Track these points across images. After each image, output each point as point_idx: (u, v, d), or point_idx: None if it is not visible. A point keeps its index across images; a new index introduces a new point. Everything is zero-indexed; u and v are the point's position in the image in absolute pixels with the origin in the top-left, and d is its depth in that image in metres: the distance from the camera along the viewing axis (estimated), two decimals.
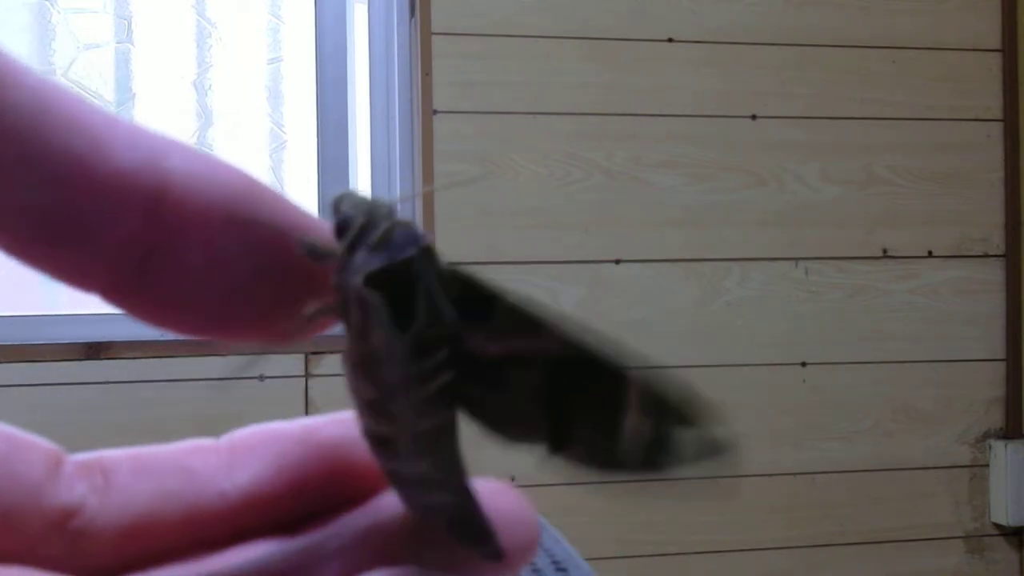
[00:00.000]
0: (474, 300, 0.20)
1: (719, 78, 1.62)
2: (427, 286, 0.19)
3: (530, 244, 1.56)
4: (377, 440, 0.19)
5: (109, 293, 0.18)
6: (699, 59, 1.61)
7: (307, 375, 1.51)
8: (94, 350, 1.47)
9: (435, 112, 1.54)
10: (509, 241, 1.55)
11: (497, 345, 0.20)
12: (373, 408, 0.19)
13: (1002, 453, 1.66)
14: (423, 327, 0.19)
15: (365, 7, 1.61)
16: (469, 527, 0.20)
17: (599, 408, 0.20)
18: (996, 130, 1.69)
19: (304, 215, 0.19)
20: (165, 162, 0.17)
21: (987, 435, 1.69)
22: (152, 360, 1.48)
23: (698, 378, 1.38)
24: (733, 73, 1.62)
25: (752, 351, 1.62)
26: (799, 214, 1.64)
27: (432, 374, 0.19)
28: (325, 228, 0.19)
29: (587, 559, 0.45)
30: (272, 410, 1.53)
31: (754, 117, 1.63)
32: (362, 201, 0.19)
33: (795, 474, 1.63)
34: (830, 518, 1.64)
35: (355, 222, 0.19)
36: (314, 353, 1.52)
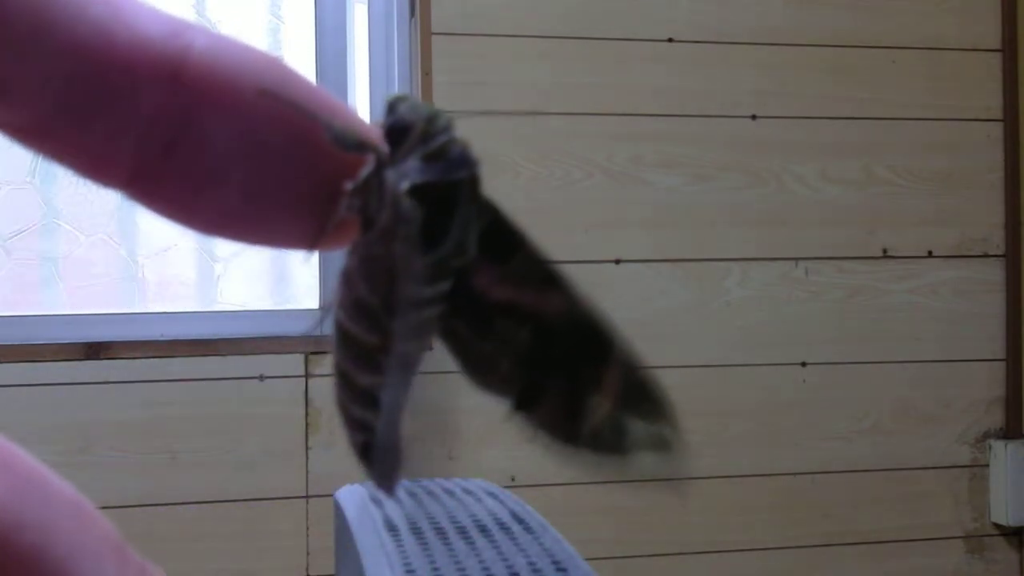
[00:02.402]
0: (497, 238, 0.19)
1: (719, 78, 1.62)
2: (466, 214, 0.18)
3: None
4: (347, 339, 0.18)
5: (133, 183, 0.17)
6: (699, 59, 1.61)
7: (307, 375, 1.51)
8: (94, 350, 1.47)
9: None
10: None
11: (502, 291, 0.20)
12: (360, 309, 0.18)
13: (1002, 453, 1.66)
14: (445, 255, 0.18)
15: (365, 7, 1.61)
16: (377, 455, 0.19)
17: (573, 380, 0.20)
18: (996, 130, 1.69)
19: (337, 103, 0.18)
20: (188, 35, 0.16)
21: (987, 435, 1.69)
22: (152, 360, 1.48)
23: (698, 378, 1.38)
24: (733, 73, 1.62)
25: (752, 351, 1.62)
26: (799, 214, 1.64)
27: (430, 301, 0.18)
28: (356, 121, 0.18)
29: (587, 559, 0.45)
30: (272, 410, 1.54)
31: (754, 117, 1.63)
32: (422, 107, 0.18)
33: (795, 474, 1.63)
34: (830, 518, 1.64)
35: (414, 126, 0.18)
36: (314, 353, 1.52)
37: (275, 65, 0.17)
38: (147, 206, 0.17)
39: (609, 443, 0.20)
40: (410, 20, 1.59)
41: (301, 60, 1.63)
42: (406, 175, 0.17)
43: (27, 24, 0.15)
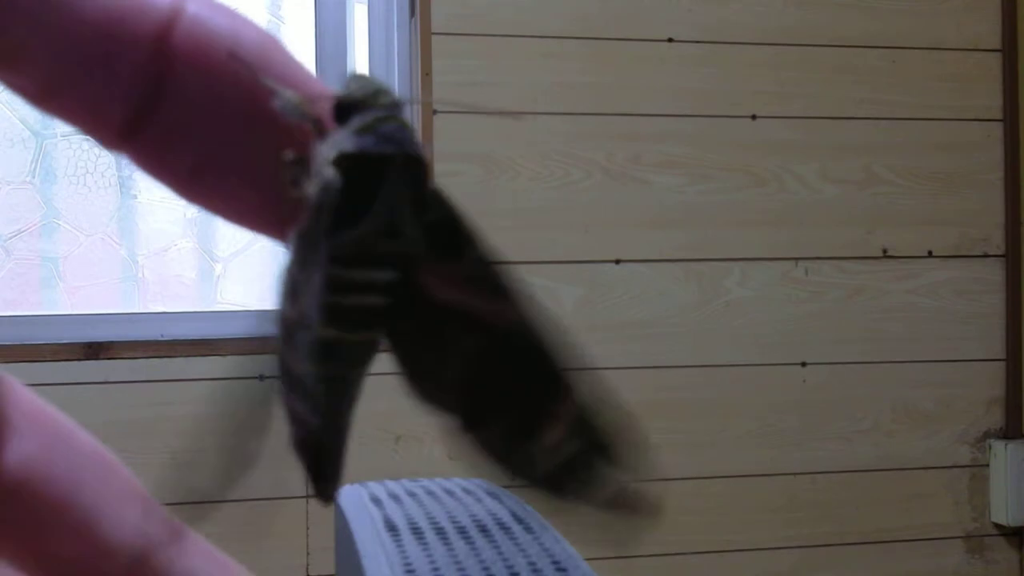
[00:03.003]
0: (448, 234, 0.18)
1: (719, 78, 1.62)
2: (396, 194, 0.17)
3: (530, 244, 1.56)
4: (282, 321, 0.18)
5: (122, 140, 0.17)
6: (699, 59, 1.61)
7: None
8: (94, 350, 1.47)
9: (435, 112, 1.54)
10: (509, 241, 1.54)
11: (450, 291, 0.18)
12: (292, 288, 0.18)
13: (1002, 453, 1.66)
14: (370, 233, 0.17)
15: (365, 7, 1.61)
16: (315, 456, 0.18)
17: (527, 404, 0.19)
18: (996, 130, 1.69)
19: (310, 77, 0.18)
20: (181, 1, 0.17)
21: (987, 435, 1.69)
22: (152, 360, 1.48)
23: (698, 378, 1.38)
24: (733, 73, 1.62)
25: (752, 351, 1.62)
26: (799, 214, 1.64)
27: (363, 288, 0.18)
28: (318, 94, 0.18)
29: (587, 559, 0.45)
30: (272, 410, 1.53)
31: (754, 117, 1.63)
32: (371, 84, 0.18)
33: (795, 474, 1.63)
34: (830, 518, 1.64)
35: (358, 101, 0.18)
36: None
37: (260, 36, 0.17)
38: (136, 164, 0.18)
39: (562, 480, 0.19)
40: (410, 20, 1.59)
41: (301, 60, 1.63)
42: (335, 145, 0.17)
43: None
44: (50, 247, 1.57)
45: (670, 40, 1.61)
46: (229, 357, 1.50)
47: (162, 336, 1.50)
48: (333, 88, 0.18)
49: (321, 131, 0.18)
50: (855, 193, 1.65)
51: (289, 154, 0.18)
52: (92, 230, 1.57)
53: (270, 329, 0.18)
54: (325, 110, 0.18)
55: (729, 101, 1.62)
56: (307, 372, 0.18)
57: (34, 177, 1.55)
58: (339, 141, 0.17)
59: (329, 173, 0.17)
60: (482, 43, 1.56)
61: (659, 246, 1.60)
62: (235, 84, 0.17)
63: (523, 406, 0.19)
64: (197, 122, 0.17)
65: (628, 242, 1.59)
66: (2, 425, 0.15)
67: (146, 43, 0.16)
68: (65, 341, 1.47)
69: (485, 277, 0.19)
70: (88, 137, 0.17)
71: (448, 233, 0.18)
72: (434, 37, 1.54)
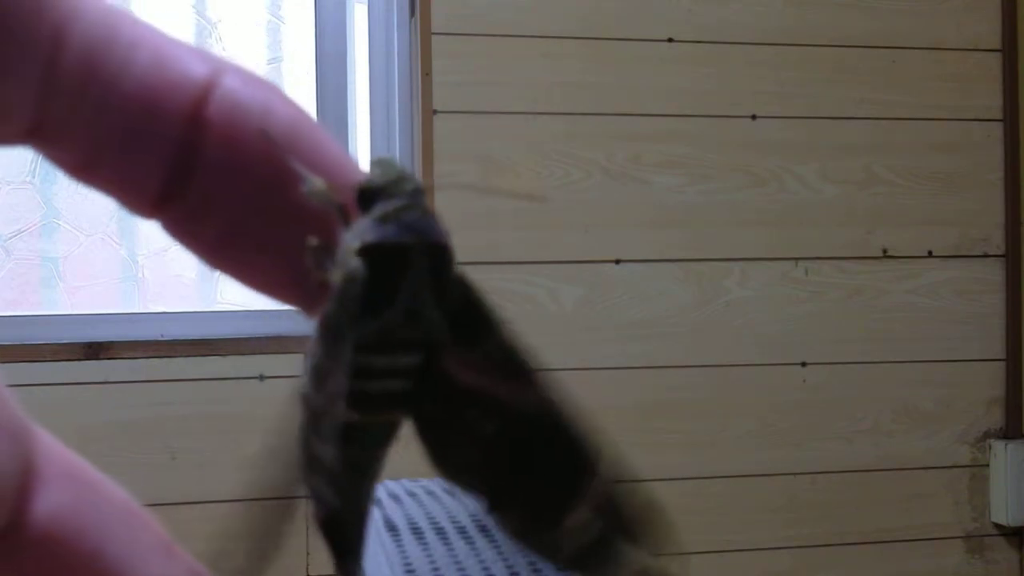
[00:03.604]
0: (469, 320, 0.19)
1: (719, 78, 1.62)
2: (418, 282, 0.18)
3: (530, 244, 1.56)
4: (306, 404, 0.18)
5: (155, 207, 0.18)
6: (699, 59, 1.61)
7: None
8: (94, 350, 1.47)
9: (435, 112, 1.54)
10: (509, 241, 1.55)
11: (472, 376, 0.19)
12: (316, 373, 0.18)
13: (1002, 453, 1.66)
14: (393, 322, 0.18)
15: (365, 7, 1.61)
16: (338, 536, 0.19)
17: (551, 486, 0.19)
18: (996, 130, 1.69)
19: (343, 159, 0.18)
20: (218, 75, 0.17)
21: (987, 435, 1.69)
22: (152, 360, 1.48)
23: (698, 378, 1.38)
24: (733, 73, 1.62)
25: (752, 351, 1.62)
26: (799, 214, 1.64)
27: (386, 373, 0.18)
28: (345, 176, 0.18)
29: None
30: (272, 410, 1.53)
31: (754, 117, 1.63)
32: (393, 169, 0.18)
33: (795, 474, 1.63)
34: (830, 518, 1.64)
35: (376, 184, 0.18)
36: None
37: (294, 113, 0.18)
38: (167, 232, 0.18)
39: (590, 561, 0.19)
40: (410, 20, 1.59)
41: (301, 60, 1.63)
42: (358, 234, 0.18)
43: (84, 73, 0.16)
44: (50, 247, 1.57)
45: (670, 40, 1.61)
46: (229, 357, 1.50)
47: (162, 336, 1.50)
48: (359, 173, 0.18)
49: (346, 218, 0.18)
50: (855, 193, 1.65)
51: (314, 240, 0.18)
52: (92, 230, 1.57)
53: (295, 413, 0.18)
54: (350, 197, 0.18)
55: (729, 101, 1.62)
56: (330, 455, 0.18)
57: (34, 177, 1.55)
58: (362, 230, 0.18)
59: (353, 263, 0.17)
60: (482, 43, 1.56)
61: (659, 246, 1.60)
62: (265, 160, 0.17)
63: (546, 489, 0.19)
64: (227, 194, 0.17)
65: (628, 242, 1.59)
66: (32, 476, 0.15)
67: (182, 117, 0.17)
68: (65, 341, 1.47)
69: (507, 361, 0.19)
70: (125, 207, 0.18)
71: (470, 318, 0.19)
72: (434, 37, 1.54)
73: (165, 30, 0.17)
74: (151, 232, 1.60)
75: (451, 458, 0.20)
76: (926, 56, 1.68)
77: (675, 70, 1.61)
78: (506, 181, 1.56)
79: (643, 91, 1.60)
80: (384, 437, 0.19)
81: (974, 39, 1.69)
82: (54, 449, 0.16)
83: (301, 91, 1.62)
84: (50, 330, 1.49)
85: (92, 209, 1.57)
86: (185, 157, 0.17)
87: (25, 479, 0.15)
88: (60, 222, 1.57)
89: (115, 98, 0.16)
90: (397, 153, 1.59)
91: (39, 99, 0.16)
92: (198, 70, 0.17)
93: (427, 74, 1.54)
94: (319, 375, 0.18)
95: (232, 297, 1.61)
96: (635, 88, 1.60)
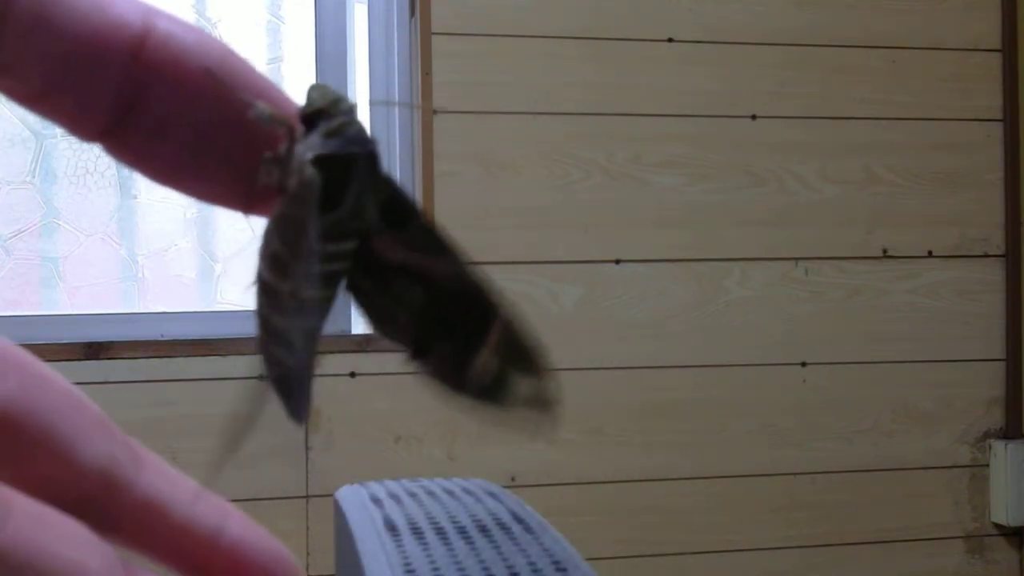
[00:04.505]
0: (397, 209, 0.23)
1: (719, 78, 1.62)
2: (360, 184, 0.22)
3: (530, 244, 1.56)
4: (265, 287, 0.22)
5: (105, 137, 0.21)
6: (699, 59, 1.61)
7: None
8: (94, 350, 1.47)
9: (435, 112, 1.54)
10: (509, 241, 1.55)
11: (398, 254, 0.24)
12: (275, 261, 0.22)
13: (1002, 453, 1.66)
14: (343, 216, 0.22)
15: (365, 7, 1.61)
16: (291, 389, 0.23)
17: (462, 335, 0.24)
18: (996, 130, 1.69)
19: (270, 85, 0.22)
20: (152, 20, 0.20)
21: (987, 435, 1.69)
22: (152, 360, 1.49)
23: (698, 378, 1.38)
24: (733, 73, 1.62)
25: (752, 351, 1.62)
26: (799, 214, 1.64)
27: (335, 256, 0.22)
28: (282, 102, 0.22)
29: (587, 559, 0.45)
30: (272, 410, 1.53)
31: (754, 117, 1.63)
32: (330, 93, 0.22)
33: (795, 474, 1.63)
34: (830, 518, 1.64)
35: (317, 105, 0.22)
36: None
37: (223, 50, 0.21)
38: (116, 158, 0.21)
39: (492, 392, 0.24)
40: (410, 20, 1.59)
41: (301, 60, 1.63)
42: (310, 148, 0.21)
43: (34, 16, 0.19)
44: (50, 247, 1.57)
45: (670, 40, 1.61)
46: (229, 357, 1.50)
47: (162, 336, 1.50)
48: (287, 96, 0.22)
49: (292, 134, 0.22)
50: (855, 193, 1.65)
51: (267, 154, 0.22)
52: (92, 230, 1.58)
53: (255, 296, 0.22)
54: (293, 117, 0.22)
55: (729, 101, 1.62)
56: (290, 325, 0.22)
57: (34, 177, 1.55)
58: (313, 145, 0.21)
59: (308, 171, 0.21)
60: (482, 43, 1.56)
61: (659, 246, 1.60)
62: (204, 90, 0.21)
63: (459, 338, 0.24)
64: (171, 121, 0.21)
65: (628, 242, 1.59)
66: None
67: (122, 55, 0.20)
68: (65, 341, 1.47)
69: (425, 240, 0.24)
70: (73, 133, 0.21)
71: (396, 208, 0.23)
72: (434, 37, 1.54)
73: None
74: (151, 232, 1.60)
75: (383, 319, 0.24)
76: (926, 56, 1.68)
77: (675, 70, 1.61)
78: (506, 181, 1.56)
79: (643, 91, 1.60)
80: (327, 308, 0.23)
81: (974, 39, 1.69)
82: (1, 344, 0.18)
83: (301, 91, 1.62)
84: (50, 330, 1.49)
85: (92, 209, 1.57)
86: (129, 90, 0.20)
87: None
88: (60, 222, 1.57)
89: (61, 38, 0.19)
90: (397, 153, 1.59)
91: None
92: (133, 12, 0.20)
93: (427, 74, 1.54)
94: (278, 263, 0.22)
95: (232, 297, 1.61)
96: (635, 88, 1.60)
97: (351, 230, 0.22)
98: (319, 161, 0.21)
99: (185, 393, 1.49)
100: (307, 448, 1.50)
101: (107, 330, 1.49)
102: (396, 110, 1.60)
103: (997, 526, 1.68)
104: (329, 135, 0.21)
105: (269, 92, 0.22)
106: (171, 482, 0.20)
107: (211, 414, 1.49)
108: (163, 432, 1.46)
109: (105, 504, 0.19)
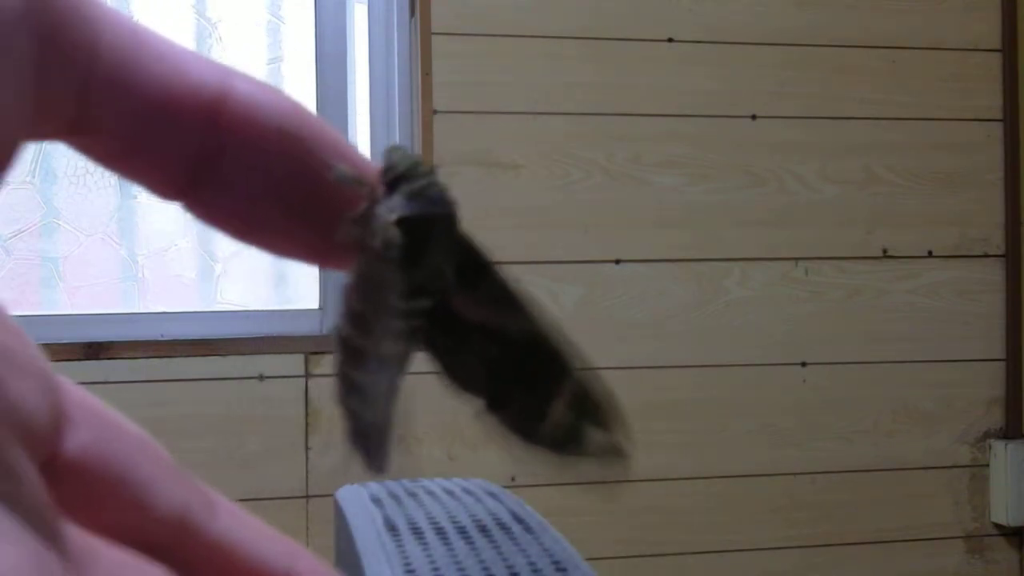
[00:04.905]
0: (473, 267, 0.24)
1: (719, 78, 1.62)
2: (439, 244, 0.23)
3: (530, 244, 1.56)
4: (345, 344, 0.23)
5: (183, 197, 0.21)
6: (699, 59, 1.61)
7: (307, 375, 1.51)
8: (94, 350, 1.47)
9: (435, 112, 1.54)
10: (509, 241, 1.55)
11: (475, 312, 0.24)
12: (356, 319, 0.23)
13: (1002, 453, 1.66)
14: (422, 275, 0.23)
15: (365, 7, 1.61)
16: (370, 441, 0.23)
17: (536, 389, 0.25)
18: (996, 130, 1.69)
19: (347, 146, 0.23)
20: (230, 81, 0.21)
21: (987, 435, 1.69)
22: (152, 360, 1.49)
23: (698, 378, 1.38)
24: (733, 73, 1.62)
25: (752, 351, 1.62)
26: (799, 214, 1.64)
27: (413, 314, 0.23)
28: (362, 162, 0.23)
29: (587, 559, 0.45)
30: (272, 410, 1.54)
31: (754, 117, 1.63)
32: (410, 155, 0.23)
33: (795, 474, 1.63)
34: (830, 518, 1.64)
35: (400, 168, 0.23)
36: (314, 353, 1.52)
37: (299, 110, 0.22)
38: (196, 216, 0.22)
39: (565, 444, 0.25)
40: (410, 20, 1.59)
41: (301, 60, 1.63)
42: (393, 209, 0.22)
43: (116, 79, 0.20)
44: (50, 247, 1.57)
45: (670, 40, 1.61)
46: (229, 357, 1.50)
47: (162, 336, 1.50)
48: (365, 158, 0.23)
49: (373, 195, 0.22)
50: (855, 193, 1.65)
51: (348, 213, 0.23)
52: (92, 230, 1.57)
53: (335, 353, 0.23)
54: (375, 178, 0.23)
55: (729, 101, 1.62)
56: (370, 381, 0.23)
57: (34, 177, 1.55)
58: (397, 205, 0.22)
59: (391, 231, 0.22)
60: (482, 43, 1.56)
61: (659, 246, 1.60)
62: (281, 151, 0.22)
63: (533, 391, 0.25)
64: (247, 180, 0.22)
65: (628, 242, 1.59)
66: (62, 419, 0.18)
67: (200, 117, 0.21)
68: (65, 341, 1.47)
69: (501, 295, 0.24)
70: (152, 192, 0.21)
71: (471, 266, 0.24)
72: (434, 37, 1.54)
73: (182, 43, 0.21)
74: (151, 232, 1.60)
75: (459, 375, 0.25)
76: (926, 56, 1.68)
77: (675, 70, 1.61)
78: (506, 181, 1.56)
79: (643, 91, 1.60)
80: (405, 363, 0.24)
81: (974, 39, 1.69)
82: (76, 393, 0.19)
83: (301, 91, 1.62)
84: (50, 330, 1.49)
85: (92, 209, 1.57)
86: (208, 150, 0.21)
87: (57, 421, 0.18)
88: (60, 222, 1.57)
89: (141, 101, 0.20)
90: None
91: (78, 102, 0.19)
92: (212, 75, 0.21)
93: (427, 74, 1.54)
94: (358, 320, 0.23)
95: (232, 297, 1.61)
96: (635, 88, 1.60)
97: (430, 289, 0.23)
98: (401, 222, 0.22)
99: (185, 393, 1.49)
100: (307, 448, 1.50)
101: (107, 330, 1.49)
102: (396, 109, 1.60)
103: (997, 526, 1.68)
104: (412, 196, 0.22)
105: (346, 152, 0.23)
106: (244, 525, 0.21)
107: (211, 414, 1.49)
108: (163, 432, 1.46)
109: (181, 550, 0.20)
